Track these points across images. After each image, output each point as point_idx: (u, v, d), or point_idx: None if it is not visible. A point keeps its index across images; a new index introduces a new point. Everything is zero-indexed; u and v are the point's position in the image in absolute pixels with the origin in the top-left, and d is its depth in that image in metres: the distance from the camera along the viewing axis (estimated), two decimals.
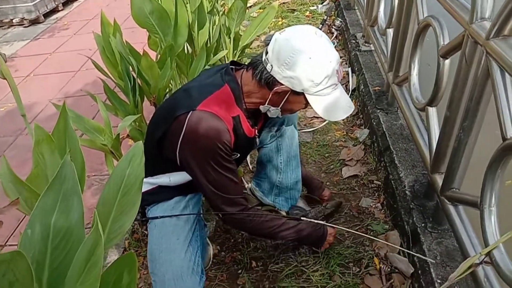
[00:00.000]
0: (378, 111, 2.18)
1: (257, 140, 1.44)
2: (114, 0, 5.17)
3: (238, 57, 2.24)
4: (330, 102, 1.19)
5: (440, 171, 1.43)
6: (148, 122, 1.79)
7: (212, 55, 1.99)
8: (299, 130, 2.31)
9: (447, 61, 1.41)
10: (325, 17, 3.30)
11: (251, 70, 1.23)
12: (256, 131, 1.39)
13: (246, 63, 1.35)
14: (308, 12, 4.04)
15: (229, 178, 1.25)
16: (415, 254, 1.40)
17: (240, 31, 2.24)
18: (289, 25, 3.80)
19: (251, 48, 3.36)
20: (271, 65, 1.15)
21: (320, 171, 2.08)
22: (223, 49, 2.12)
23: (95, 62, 1.73)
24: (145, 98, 1.75)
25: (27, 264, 0.54)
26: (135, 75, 1.67)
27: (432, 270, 1.32)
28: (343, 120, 2.47)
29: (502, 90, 1.02)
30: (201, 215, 1.50)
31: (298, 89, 1.16)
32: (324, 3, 4.15)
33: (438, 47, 1.41)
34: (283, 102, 1.22)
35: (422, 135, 1.67)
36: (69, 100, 3.01)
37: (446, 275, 1.29)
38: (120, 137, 1.64)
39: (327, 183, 1.99)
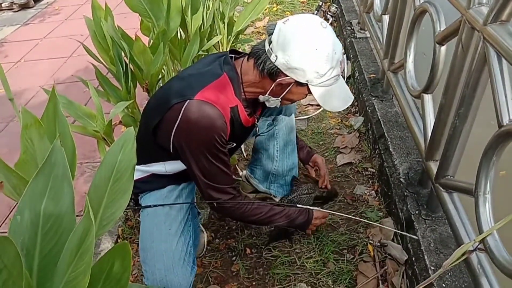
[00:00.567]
0: (373, 98, 2.17)
1: (257, 129, 1.42)
2: None
3: (232, 43, 2.21)
4: (332, 93, 1.18)
5: (434, 158, 1.43)
6: (141, 108, 1.77)
7: (205, 41, 1.96)
8: None
9: (443, 48, 1.40)
10: (321, 3, 3.26)
11: (253, 59, 1.20)
12: (256, 120, 1.37)
13: (245, 52, 1.32)
14: None
15: (221, 168, 1.23)
16: (404, 233, 1.40)
17: (234, 16, 2.20)
18: (284, 11, 3.76)
19: (245, 34, 3.32)
20: (276, 56, 1.13)
21: None
22: (216, 35, 2.09)
23: (86, 47, 1.70)
24: (138, 84, 1.72)
25: (15, 250, 0.53)
26: (127, 61, 1.64)
27: (426, 257, 1.32)
28: None
29: (498, 76, 1.01)
30: (195, 203, 1.49)
31: (302, 80, 1.14)
32: None
33: (434, 33, 1.39)
34: (285, 92, 1.20)
35: (417, 122, 1.66)
36: (61, 86, 2.96)
37: (439, 262, 1.29)
38: (113, 123, 1.61)
39: None
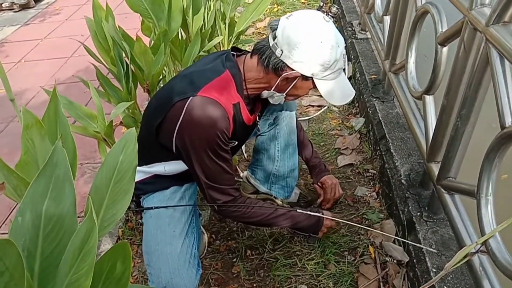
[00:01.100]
0: (374, 99, 2.16)
1: (259, 126, 1.42)
2: None
3: (233, 43, 2.20)
4: (336, 86, 1.21)
5: (436, 160, 1.43)
6: (141, 109, 1.76)
7: (206, 41, 1.95)
8: None
9: (445, 49, 1.40)
10: (321, 4, 3.25)
11: (256, 56, 1.21)
12: (257, 118, 1.37)
13: (246, 50, 1.33)
14: None
15: (222, 167, 1.23)
16: (410, 242, 1.40)
17: (235, 17, 2.20)
18: (285, 12, 3.76)
19: (246, 35, 3.32)
20: (281, 50, 1.14)
21: None
22: (218, 35, 2.08)
23: (87, 47, 1.69)
24: (139, 84, 1.72)
25: (17, 253, 0.52)
26: (128, 61, 1.64)
27: (427, 259, 1.32)
28: (338, 108, 2.46)
29: (501, 77, 1.00)
30: (198, 205, 1.49)
31: (307, 74, 1.16)
32: None
33: (436, 34, 1.39)
34: (290, 87, 1.22)
35: (419, 123, 1.66)
36: (61, 87, 2.96)
37: (441, 264, 1.29)
38: (113, 124, 1.61)
39: None
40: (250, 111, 1.31)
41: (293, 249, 1.61)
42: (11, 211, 1.93)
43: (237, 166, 2.00)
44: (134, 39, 1.61)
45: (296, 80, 1.19)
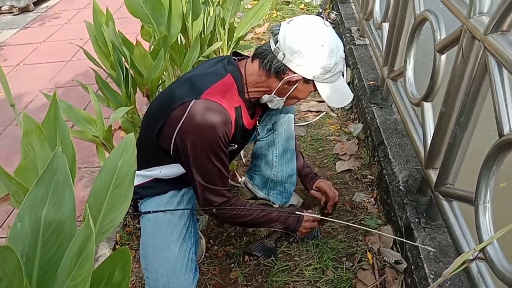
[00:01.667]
0: (372, 105, 2.17)
1: (258, 130, 1.43)
2: None
3: (233, 49, 2.21)
4: (336, 89, 1.24)
5: (434, 166, 1.43)
6: (140, 113, 1.76)
7: (206, 47, 1.96)
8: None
9: (443, 56, 1.41)
10: (320, 10, 3.28)
11: (258, 60, 1.23)
12: (257, 122, 1.38)
13: (246, 55, 1.34)
14: (302, 4, 4.02)
15: (220, 169, 1.24)
16: (413, 243, 1.40)
17: (234, 22, 2.21)
18: (284, 18, 3.77)
19: (245, 40, 3.33)
20: (283, 54, 1.16)
21: (313, 165, 2.07)
22: (217, 41, 2.09)
23: (86, 51, 1.70)
24: (138, 89, 1.72)
25: (16, 259, 0.52)
26: (127, 66, 1.64)
27: (425, 266, 1.32)
28: (336, 114, 2.46)
29: (499, 85, 1.01)
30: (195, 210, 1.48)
31: (309, 77, 1.19)
32: None
33: (434, 41, 1.40)
34: (291, 90, 1.24)
35: (417, 130, 1.66)
36: (60, 91, 2.96)
37: (439, 270, 1.29)
38: (112, 128, 1.61)
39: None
40: (251, 115, 1.33)
41: (290, 254, 1.60)
42: (8, 216, 1.92)
43: (235, 171, 2.00)
44: (134, 43, 1.62)
45: (297, 83, 1.21)
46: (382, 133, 1.94)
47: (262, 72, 1.22)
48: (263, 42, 3.41)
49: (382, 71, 2.15)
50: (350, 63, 2.72)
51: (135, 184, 0.76)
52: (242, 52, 1.38)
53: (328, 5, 3.73)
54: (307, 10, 3.91)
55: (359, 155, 2.10)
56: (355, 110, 2.44)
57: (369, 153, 2.07)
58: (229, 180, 1.63)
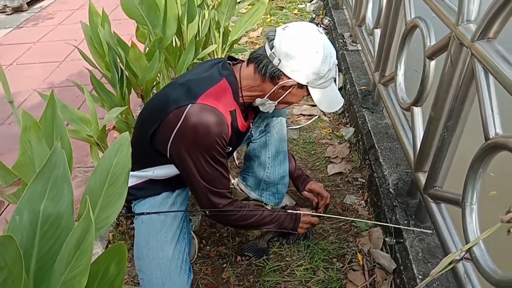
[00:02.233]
0: (364, 110, 2.20)
1: (252, 132, 1.46)
2: None
3: (227, 52, 2.24)
4: (328, 94, 1.28)
5: (423, 169, 1.46)
6: (134, 114, 1.77)
7: (200, 49, 1.99)
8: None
9: (432, 62, 1.44)
10: (314, 16, 3.32)
11: (253, 64, 1.25)
12: (250, 124, 1.40)
13: (240, 59, 1.37)
14: (296, 10, 4.06)
15: (220, 172, 1.26)
16: (415, 229, 1.43)
17: (229, 26, 2.23)
18: (278, 22, 3.81)
19: (239, 44, 3.35)
20: (279, 59, 1.19)
21: (305, 168, 2.10)
22: (212, 44, 2.12)
23: (82, 52, 1.71)
24: (132, 90, 1.74)
25: (17, 249, 0.54)
26: (122, 67, 1.66)
27: (414, 266, 1.35)
28: (329, 118, 2.49)
29: (485, 90, 1.04)
30: (189, 211, 1.50)
31: (303, 82, 1.22)
32: (312, 2, 4.17)
33: (424, 48, 1.44)
34: (285, 95, 1.27)
35: (407, 134, 1.70)
36: (54, 91, 2.95)
37: (427, 271, 1.32)
38: (106, 128, 1.62)
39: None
40: (244, 118, 1.35)
41: (282, 255, 1.62)
42: (3, 211, 1.91)
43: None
44: (129, 45, 1.64)
45: (291, 88, 1.24)
46: (373, 137, 1.98)
47: (257, 76, 1.25)
48: (257, 46, 3.44)
49: (374, 76, 2.19)
50: (343, 68, 2.76)
51: (128, 185, 0.77)
52: (236, 56, 1.41)
53: (321, 11, 3.78)
54: (300, 15, 3.96)
55: (350, 159, 2.13)
56: (347, 114, 2.47)
57: (360, 156, 2.10)
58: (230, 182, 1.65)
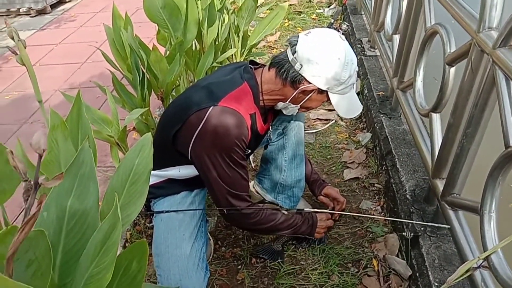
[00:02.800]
0: (381, 115, 2.20)
1: (271, 135, 1.47)
2: None
3: (246, 56, 2.26)
4: (347, 100, 1.29)
5: (441, 176, 1.45)
6: (154, 115, 1.80)
7: (220, 53, 2.01)
8: None
9: (452, 69, 1.43)
10: (332, 21, 3.33)
11: (275, 69, 1.27)
12: (269, 127, 1.42)
13: (262, 63, 1.39)
14: (314, 15, 4.07)
15: (241, 174, 1.28)
16: (431, 224, 1.42)
17: (248, 30, 2.26)
18: (296, 27, 3.83)
19: (257, 48, 3.38)
20: (300, 65, 1.21)
21: (321, 172, 2.10)
22: (231, 47, 2.14)
23: (104, 53, 1.75)
24: (152, 92, 1.77)
25: (47, 243, 0.56)
26: (144, 69, 1.69)
27: (430, 273, 1.34)
28: (345, 123, 2.49)
29: (506, 98, 1.04)
30: (207, 210, 1.52)
31: (324, 88, 1.24)
32: (331, 7, 4.17)
33: (444, 54, 1.43)
34: (305, 99, 1.28)
35: (425, 140, 1.69)
36: (75, 91, 3.01)
37: (443, 278, 1.31)
38: (126, 129, 1.66)
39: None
40: (264, 121, 1.37)
41: (297, 258, 1.63)
42: (22, 211, 1.96)
43: None
44: (150, 48, 1.67)
45: (312, 93, 1.26)
46: (390, 143, 1.97)
47: (278, 80, 1.27)
48: (275, 50, 3.46)
49: (392, 82, 2.18)
50: (361, 73, 2.76)
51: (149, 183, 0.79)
52: (257, 61, 1.43)
53: (339, 16, 3.78)
54: (318, 20, 3.96)
55: (367, 164, 2.12)
56: (364, 120, 2.46)
57: (377, 162, 2.09)
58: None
